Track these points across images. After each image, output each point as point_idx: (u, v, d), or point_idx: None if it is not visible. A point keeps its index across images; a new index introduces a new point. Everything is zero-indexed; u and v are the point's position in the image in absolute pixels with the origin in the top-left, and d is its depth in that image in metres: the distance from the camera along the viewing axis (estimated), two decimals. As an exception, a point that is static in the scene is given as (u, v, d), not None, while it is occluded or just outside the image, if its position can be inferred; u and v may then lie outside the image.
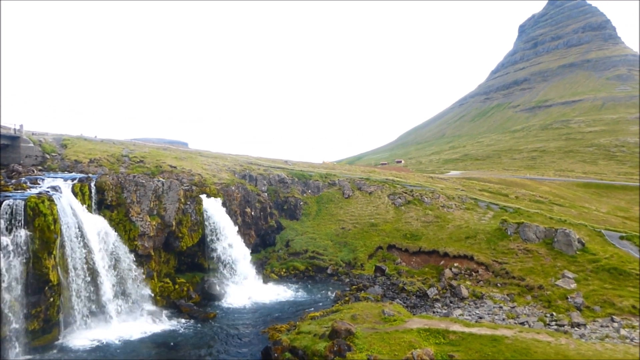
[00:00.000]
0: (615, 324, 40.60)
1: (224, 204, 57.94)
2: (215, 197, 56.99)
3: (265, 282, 56.68)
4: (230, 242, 54.27)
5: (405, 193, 77.91)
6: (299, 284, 57.67)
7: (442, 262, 58.87)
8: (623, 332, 38.64)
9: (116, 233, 43.48)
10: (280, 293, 53.35)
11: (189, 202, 52.54)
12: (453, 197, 78.12)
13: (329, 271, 60.82)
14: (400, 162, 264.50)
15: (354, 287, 54.72)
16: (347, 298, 49.67)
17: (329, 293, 53.64)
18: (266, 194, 72.40)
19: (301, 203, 75.19)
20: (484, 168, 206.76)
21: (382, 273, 58.85)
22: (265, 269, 60.95)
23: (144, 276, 44.91)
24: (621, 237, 63.81)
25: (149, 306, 44.30)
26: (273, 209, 71.35)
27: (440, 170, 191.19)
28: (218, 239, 53.66)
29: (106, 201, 45.13)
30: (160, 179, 51.65)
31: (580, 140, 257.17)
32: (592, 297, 46.09)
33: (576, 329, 40.24)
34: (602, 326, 40.64)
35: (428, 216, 70.10)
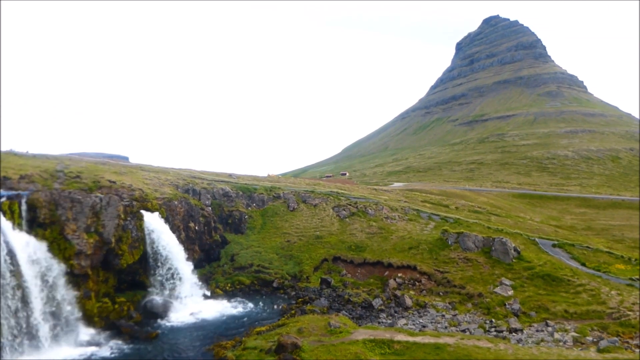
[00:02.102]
0: (550, 328, 42.65)
1: (166, 219, 56.56)
2: (157, 212, 55.52)
3: (210, 297, 55.57)
4: (173, 258, 52.93)
5: (350, 205, 78.91)
6: (244, 298, 56.89)
7: (386, 273, 59.91)
8: (557, 335, 40.62)
9: (50, 252, 41.41)
10: (225, 308, 52.46)
11: (129, 218, 50.90)
12: (396, 208, 79.85)
13: (274, 285, 60.42)
14: (345, 174, 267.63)
15: (300, 300, 54.64)
16: (293, 311, 49.52)
17: (275, 307, 53.28)
18: (210, 208, 71.27)
19: (246, 217, 74.50)
20: (425, 180, 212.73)
21: (327, 285, 59.12)
22: (210, 284, 59.77)
23: (80, 297, 42.95)
24: (553, 245, 67.36)
25: (86, 328, 42.37)
26: (217, 223, 70.28)
27: (384, 182, 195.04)
28: (160, 255, 52.22)
29: (39, 219, 42.97)
30: (99, 194, 49.81)
31: (514, 153, 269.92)
32: (528, 303, 48.25)
33: (514, 334, 41.94)
34: (537, 331, 42.57)
35: (372, 227, 71.25)
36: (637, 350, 37.12)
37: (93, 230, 46.72)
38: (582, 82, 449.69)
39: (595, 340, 39.26)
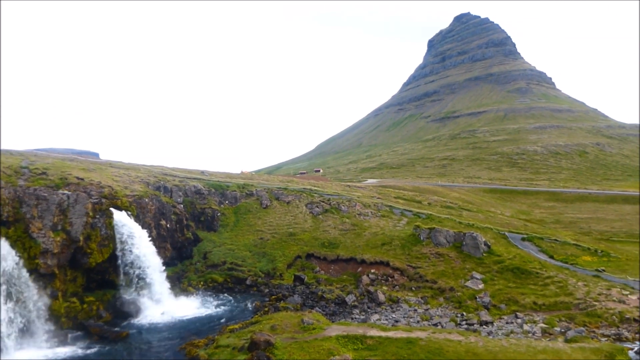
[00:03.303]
0: (519, 320, 43.46)
1: (137, 217, 55.55)
2: (127, 209, 54.46)
3: (182, 296, 54.85)
4: (143, 257, 52.00)
5: (323, 202, 78.92)
6: (217, 296, 56.41)
7: (359, 269, 60.13)
8: (526, 327, 41.41)
9: (14, 251, 40.20)
10: (198, 307, 51.90)
11: (98, 216, 49.78)
12: (369, 205, 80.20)
13: (248, 282, 60.02)
14: (319, 171, 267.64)
15: (273, 297, 54.41)
16: (266, 309, 49.28)
17: (248, 304, 52.95)
18: (182, 205, 70.31)
19: (218, 214, 73.78)
20: (399, 176, 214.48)
21: (301, 282, 59.03)
22: (182, 282, 59.01)
23: (46, 297, 41.82)
24: (523, 239, 68.70)
25: (52, 329, 41.28)
26: (189, 220, 69.42)
27: (358, 179, 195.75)
28: (131, 253, 51.24)
29: (1, 217, 41.64)
30: (66, 191, 48.58)
31: (485, 148, 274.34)
32: (498, 296, 49.07)
33: (484, 326, 42.57)
34: (507, 323, 43.32)
35: (345, 224, 71.42)
36: (603, 339, 38.12)
37: (60, 228, 45.53)
38: (550, 78, 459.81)
39: (563, 330, 40.17)
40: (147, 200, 60.20)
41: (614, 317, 41.68)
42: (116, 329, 43.88)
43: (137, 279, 51.23)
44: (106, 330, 42.78)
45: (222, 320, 46.86)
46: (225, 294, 57.32)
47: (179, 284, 58.03)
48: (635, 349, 35.90)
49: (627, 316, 41.45)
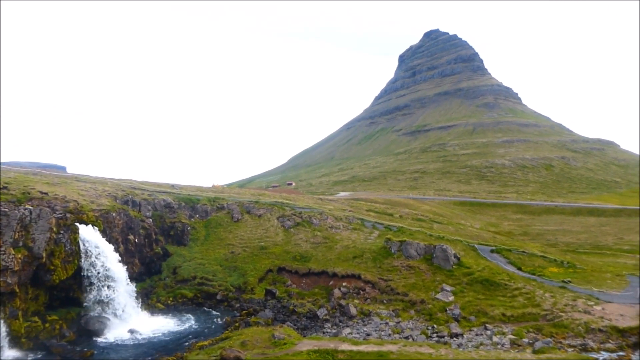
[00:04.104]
0: (488, 332, 43.87)
1: (103, 232, 54.20)
2: (93, 224, 53.10)
3: (150, 313, 53.60)
4: (110, 273, 50.67)
5: (295, 215, 78.65)
6: (187, 312, 55.29)
7: (331, 282, 59.92)
8: (495, 338, 41.81)
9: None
10: (167, 323, 50.74)
11: (62, 231, 48.34)
12: (341, 218, 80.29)
13: (218, 297, 59.11)
14: (291, 184, 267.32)
15: (244, 312, 53.70)
16: (237, 324, 48.57)
17: (219, 320, 52.10)
18: (151, 219, 69.04)
19: (189, 228, 72.69)
20: (371, 189, 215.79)
21: (272, 296, 58.46)
22: (151, 298, 57.72)
23: (5, 316, 40.23)
24: (492, 251, 69.69)
25: (11, 351, 39.67)
26: (159, 235, 68.15)
27: (330, 192, 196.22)
28: (96, 269, 49.86)
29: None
30: (28, 206, 47.11)
31: (455, 162, 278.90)
32: (467, 307, 49.48)
33: (455, 339, 42.83)
34: (477, 335, 43.69)
35: (317, 237, 71.24)
36: (570, 349, 38.78)
37: (21, 244, 43.99)
38: (517, 94, 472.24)
39: (530, 341, 40.70)
40: (114, 214, 58.89)
41: (580, 327, 42.49)
42: (80, 348, 42.44)
43: (103, 296, 49.81)
44: (69, 350, 41.35)
45: (192, 337, 45.91)
46: (195, 310, 56.28)
47: (148, 300, 56.74)
48: (601, 359, 36.68)
49: (592, 326, 42.29)
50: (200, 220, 76.37)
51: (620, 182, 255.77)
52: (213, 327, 49.85)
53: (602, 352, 38.26)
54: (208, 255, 67.59)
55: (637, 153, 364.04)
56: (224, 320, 51.26)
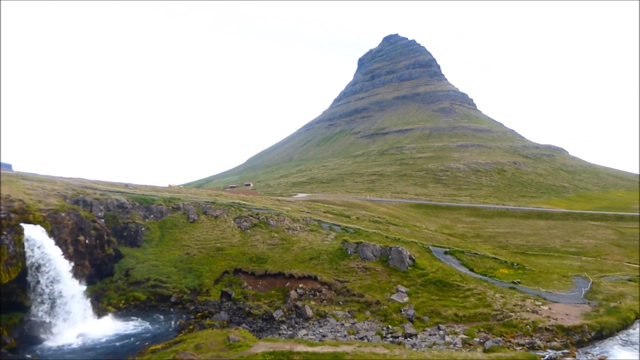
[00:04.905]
0: (441, 332, 44.85)
1: (51, 233, 52.10)
2: (40, 225, 50.98)
3: (100, 316, 51.84)
4: (57, 275, 48.75)
5: (252, 216, 78.05)
6: (140, 315, 53.80)
7: (287, 284, 59.77)
8: (448, 338, 42.78)
9: None
10: (118, 327, 49.24)
11: (5, 232, 46.14)
12: (298, 219, 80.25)
13: (172, 299, 57.86)
14: (249, 185, 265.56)
15: (199, 314, 52.82)
16: (191, 327, 47.74)
17: (173, 323, 50.95)
18: (103, 220, 66.91)
19: (143, 229, 70.88)
20: (329, 190, 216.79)
21: (228, 298, 57.77)
22: (102, 301, 55.85)
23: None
24: (446, 252, 71.30)
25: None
26: (111, 236, 66.09)
27: (288, 193, 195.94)
28: (42, 272, 47.87)
29: None
30: (-30, 205, 44.77)
31: (412, 165, 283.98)
32: (421, 308, 50.44)
33: (409, 339, 43.55)
34: (430, 335, 44.58)
35: (274, 239, 70.94)
36: (518, 348, 40.12)
37: (-39, 246, 41.77)
38: (472, 99, 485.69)
39: (481, 341, 41.86)
40: (63, 214, 56.76)
41: (528, 326, 44.06)
42: (24, 355, 40.61)
43: (49, 300, 47.84)
44: (10, 358, 39.48)
45: (144, 341, 44.73)
46: (149, 313, 54.85)
47: (98, 303, 54.87)
48: (547, 357, 38.10)
49: (539, 326, 43.94)
50: (155, 221, 74.61)
51: (568, 187, 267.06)
52: (167, 330, 48.74)
53: (549, 350, 39.77)
54: (163, 257, 66.09)
55: (585, 160, 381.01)
56: (178, 323, 50.24)
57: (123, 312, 54.31)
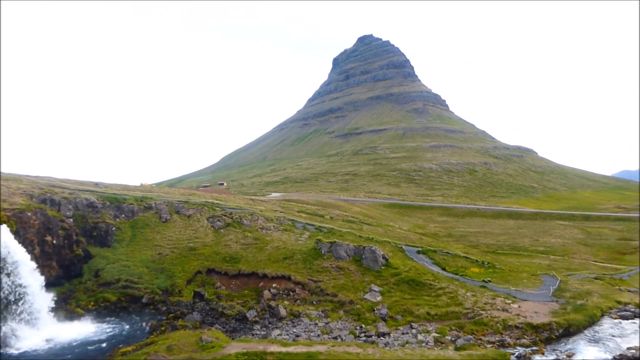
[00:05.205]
0: (414, 330, 45.29)
1: (16, 233, 50.72)
2: (4, 224, 49.50)
3: (69, 319, 50.62)
4: (23, 277, 47.42)
5: (225, 216, 77.42)
6: (110, 317, 52.73)
7: (261, 284, 59.48)
8: (420, 337, 43.23)
9: None
10: (87, 330, 48.13)
11: (-31, 232, 44.71)
12: (272, 218, 79.98)
13: (144, 300, 56.93)
14: (223, 184, 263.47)
15: (171, 315, 52.10)
16: (163, 328, 47.04)
17: (144, 324, 50.10)
18: (72, 219, 65.38)
19: (113, 229, 69.53)
20: (303, 190, 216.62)
21: (201, 298, 57.16)
22: (70, 303, 54.54)
23: None
24: (418, 252, 72.07)
25: None
26: (80, 236, 64.65)
27: (262, 193, 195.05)
28: (7, 273, 46.48)
29: None
30: None
31: (385, 165, 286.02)
32: (394, 307, 50.85)
33: (382, 338, 43.83)
34: (403, 333, 44.96)
35: (247, 238, 70.53)
36: (489, 346, 40.83)
37: None
38: (444, 101, 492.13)
39: (453, 339, 42.44)
40: (29, 214, 55.29)
41: (499, 324, 44.87)
42: (-12, 358, 39.44)
43: (14, 303, 46.47)
44: (-27, 362, 38.29)
45: (114, 343, 43.85)
46: (119, 314, 53.83)
47: (66, 305, 53.60)
48: (517, 354, 38.88)
49: (509, 323, 44.82)
50: (126, 221, 73.28)
51: (537, 188, 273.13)
52: (138, 332, 47.93)
53: (518, 348, 40.59)
54: (134, 257, 64.96)
55: (553, 160, 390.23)
56: (150, 324, 49.43)
57: (92, 314, 53.16)
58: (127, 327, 49.54)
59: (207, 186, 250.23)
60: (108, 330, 48.45)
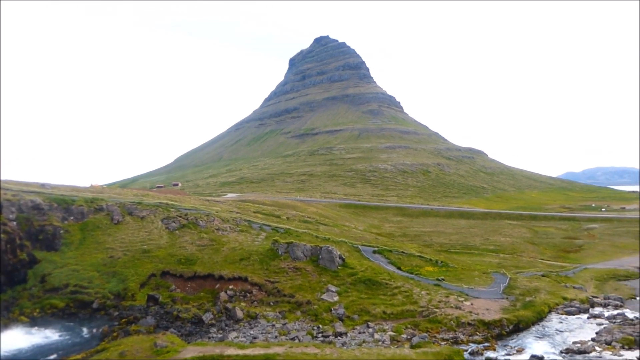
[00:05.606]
0: (370, 330, 45.79)
1: (-44, 237, 47.93)
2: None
3: (11, 327, 48.28)
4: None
5: (180, 217, 75.90)
6: (57, 324, 50.57)
7: (217, 286, 58.67)
8: (377, 336, 43.76)
9: None
10: (32, 338, 45.99)
11: None
12: (228, 219, 79.03)
13: (94, 305, 54.97)
14: (178, 185, 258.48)
15: (123, 320, 50.58)
16: (115, 334, 45.65)
17: (95, 330, 48.43)
18: (15, 222, 62.43)
19: (61, 231, 66.86)
20: (259, 190, 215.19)
21: (155, 302, 55.76)
22: (13, 311, 51.97)
23: None
24: (374, 251, 72.89)
25: None
26: (24, 239, 61.78)
27: (218, 193, 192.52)
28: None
29: None
30: None
31: (341, 165, 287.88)
32: (351, 307, 51.25)
33: (339, 338, 44.10)
34: (360, 333, 45.38)
35: (203, 240, 69.41)
36: (443, 343, 41.77)
37: None
38: (399, 102, 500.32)
39: (408, 337, 43.19)
40: (-30, 216, 52.38)
41: (452, 322, 46.00)
42: None
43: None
44: None
45: (62, 352, 42.13)
46: (68, 321, 51.72)
47: (8, 313, 51.08)
48: (469, 350, 39.96)
49: (462, 321, 46.02)
50: (75, 223, 70.64)
51: (487, 188, 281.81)
52: (88, 339, 46.24)
53: (471, 344, 41.75)
54: (84, 261, 62.68)
55: (502, 162, 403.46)
56: (101, 330, 47.83)
57: (38, 322, 50.84)
58: (76, 334, 47.74)
59: (161, 187, 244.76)
60: (55, 338, 46.50)
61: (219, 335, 45.47)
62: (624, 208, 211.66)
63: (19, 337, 45.83)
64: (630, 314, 52.14)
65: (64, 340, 46.00)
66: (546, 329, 47.25)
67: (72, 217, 71.43)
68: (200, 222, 75.11)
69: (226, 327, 48.13)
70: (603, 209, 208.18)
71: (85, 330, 48.86)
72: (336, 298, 53.27)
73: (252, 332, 46.19)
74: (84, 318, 52.74)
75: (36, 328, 48.85)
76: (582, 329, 46.75)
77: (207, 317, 50.45)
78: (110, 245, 66.44)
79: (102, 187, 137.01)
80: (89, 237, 68.46)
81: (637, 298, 62.48)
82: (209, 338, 44.88)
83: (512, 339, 44.04)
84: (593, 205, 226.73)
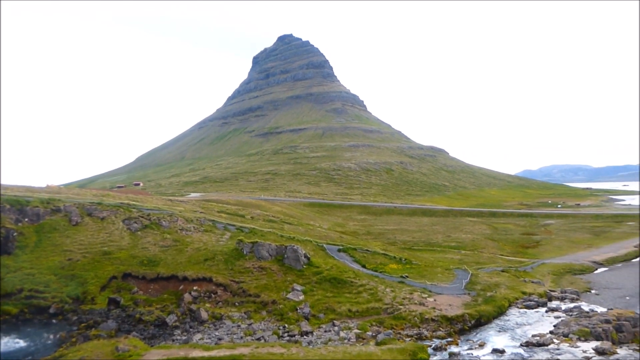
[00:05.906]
0: (336, 328, 45.98)
1: None
2: None
3: (-38, 334, 46.14)
4: None
5: (142, 217, 74.29)
6: (11, 331, 48.46)
7: (181, 287, 57.71)
8: (342, 334, 43.98)
9: None
10: (-17, 347, 44.08)
11: None
12: (192, 219, 77.90)
13: (51, 311, 53.07)
14: (139, 184, 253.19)
15: (83, 325, 49.03)
16: (74, 339, 44.19)
17: (52, 336, 46.73)
18: (-34, 225, 59.74)
19: (15, 234, 64.32)
20: (222, 190, 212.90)
21: (116, 305, 54.37)
22: (-39, 318, 49.67)
23: None
24: (339, 250, 73.25)
25: None
26: (-24, 243, 59.20)
27: (181, 193, 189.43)
28: None
29: None
30: None
31: (305, 164, 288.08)
32: (317, 306, 51.33)
33: (305, 337, 44.09)
34: (325, 331, 45.51)
35: (166, 240, 68.18)
36: (408, 339, 42.37)
37: None
38: (362, 101, 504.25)
39: (374, 334, 43.60)
40: None
41: (416, 318, 46.72)
42: None
43: None
44: None
45: (17, 360, 40.58)
46: (22, 328, 49.74)
47: (-42, 320, 48.77)
48: (433, 345, 40.67)
49: (426, 317, 46.82)
50: (30, 225, 68.09)
51: (449, 186, 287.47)
52: (44, 345, 44.57)
53: (435, 340, 42.50)
54: (39, 264, 60.47)
55: (462, 160, 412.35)
56: (58, 336, 46.17)
57: (-10, 329, 48.75)
58: (32, 341, 45.91)
59: (122, 187, 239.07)
60: (9, 346, 44.60)
61: (184, 338, 44.74)
62: (579, 205, 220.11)
63: (-30, 346, 43.85)
64: (586, 306, 54.17)
65: (18, 348, 44.24)
66: (507, 322, 48.57)
67: (26, 219, 68.85)
68: (163, 222, 73.74)
69: (191, 329, 47.41)
70: (559, 206, 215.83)
71: (41, 337, 47.13)
72: (302, 297, 53.25)
73: (217, 333, 45.66)
74: (40, 324, 50.80)
75: (-11, 335, 46.82)
76: (540, 322, 48.28)
77: (171, 319, 49.56)
78: (69, 248, 64.36)
79: (59, 187, 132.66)
80: (46, 239, 66.14)
81: (593, 291, 64.95)
82: (173, 340, 44.11)
83: (474, 334, 45.08)
84: (549, 202, 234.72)
